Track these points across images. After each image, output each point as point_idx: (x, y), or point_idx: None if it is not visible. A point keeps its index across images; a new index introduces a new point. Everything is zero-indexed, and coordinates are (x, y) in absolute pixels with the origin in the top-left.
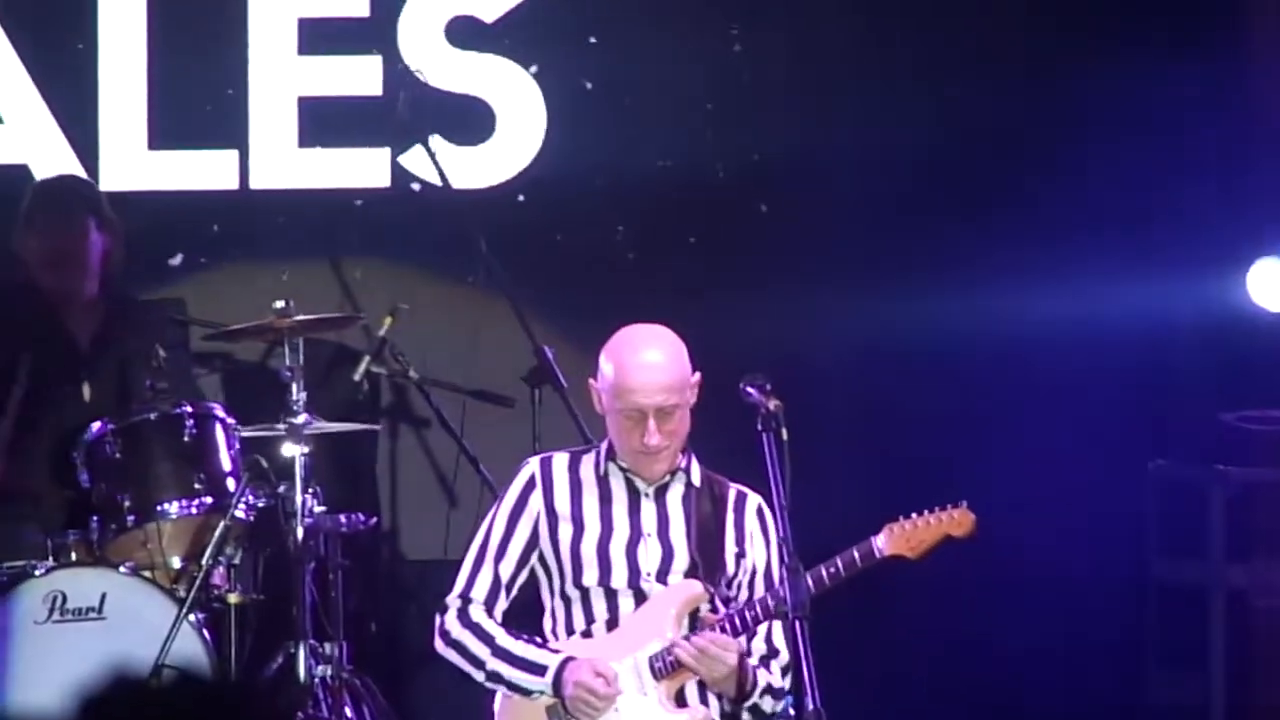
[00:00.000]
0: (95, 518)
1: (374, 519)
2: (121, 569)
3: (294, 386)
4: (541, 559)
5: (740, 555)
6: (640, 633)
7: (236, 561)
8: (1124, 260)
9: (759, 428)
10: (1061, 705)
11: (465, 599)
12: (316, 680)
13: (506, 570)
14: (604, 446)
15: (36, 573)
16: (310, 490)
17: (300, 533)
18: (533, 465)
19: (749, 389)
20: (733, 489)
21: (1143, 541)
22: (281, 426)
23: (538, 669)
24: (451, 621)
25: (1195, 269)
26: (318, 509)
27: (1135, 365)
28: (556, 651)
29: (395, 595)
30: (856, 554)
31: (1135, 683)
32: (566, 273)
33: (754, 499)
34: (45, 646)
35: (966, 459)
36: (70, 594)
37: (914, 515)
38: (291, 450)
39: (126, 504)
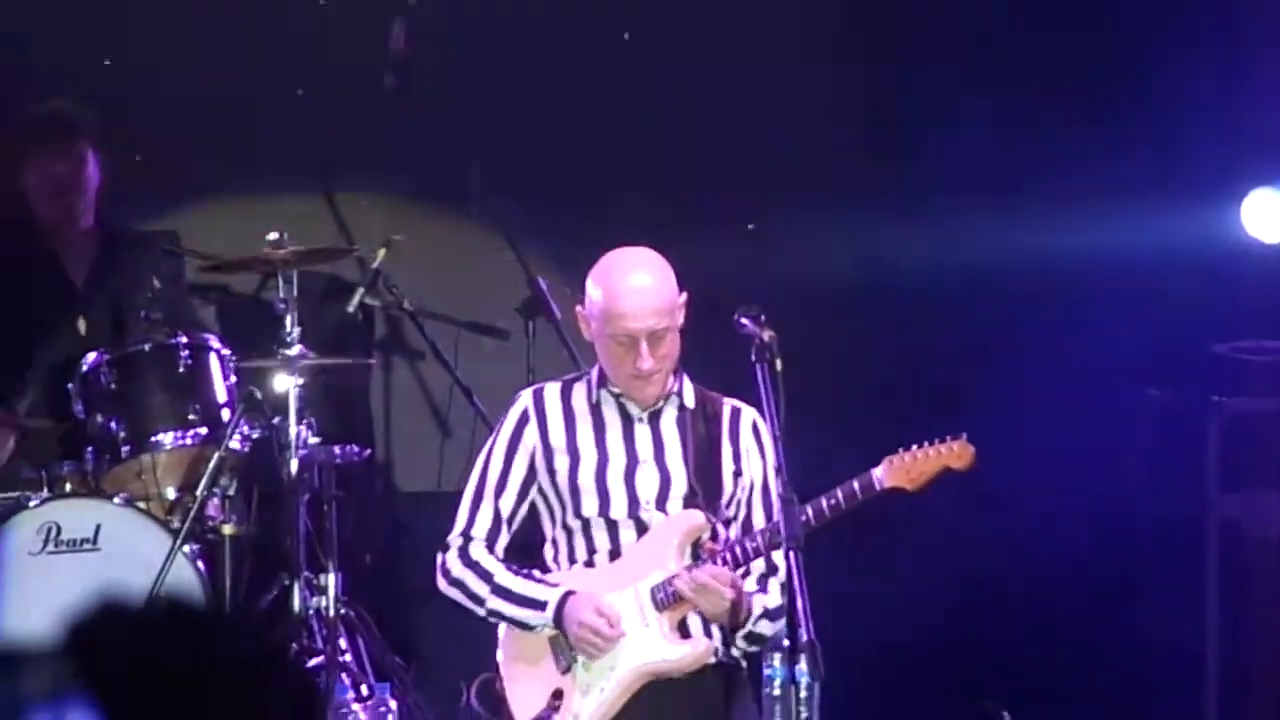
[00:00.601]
0: (90, 449)
1: (368, 451)
2: (116, 500)
3: (288, 319)
4: (540, 491)
5: (737, 474)
6: (642, 563)
7: (231, 493)
8: (1119, 192)
9: (753, 359)
10: (1056, 633)
11: (466, 537)
12: (311, 612)
13: (506, 505)
14: (594, 373)
15: (31, 504)
16: (304, 422)
17: (294, 464)
18: (525, 399)
19: (743, 320)
20: (727, 405)
21: (1138, 471)
22: (275, 358)
23: (537, 605)
24: (453, 560)
25: (1190, 200)
26: (312, 441)
27: (1131, 296)
28: (556, 585)
29: (389, 527)
30: (856, 486)
31: (1130, 610)
32: (568, 205)
33: (749, 414)
34: (40, 577)
35: (962, 391)
36: (65, 525)
37: (914, 447)
38: (285, 382)
39: (121, 435)
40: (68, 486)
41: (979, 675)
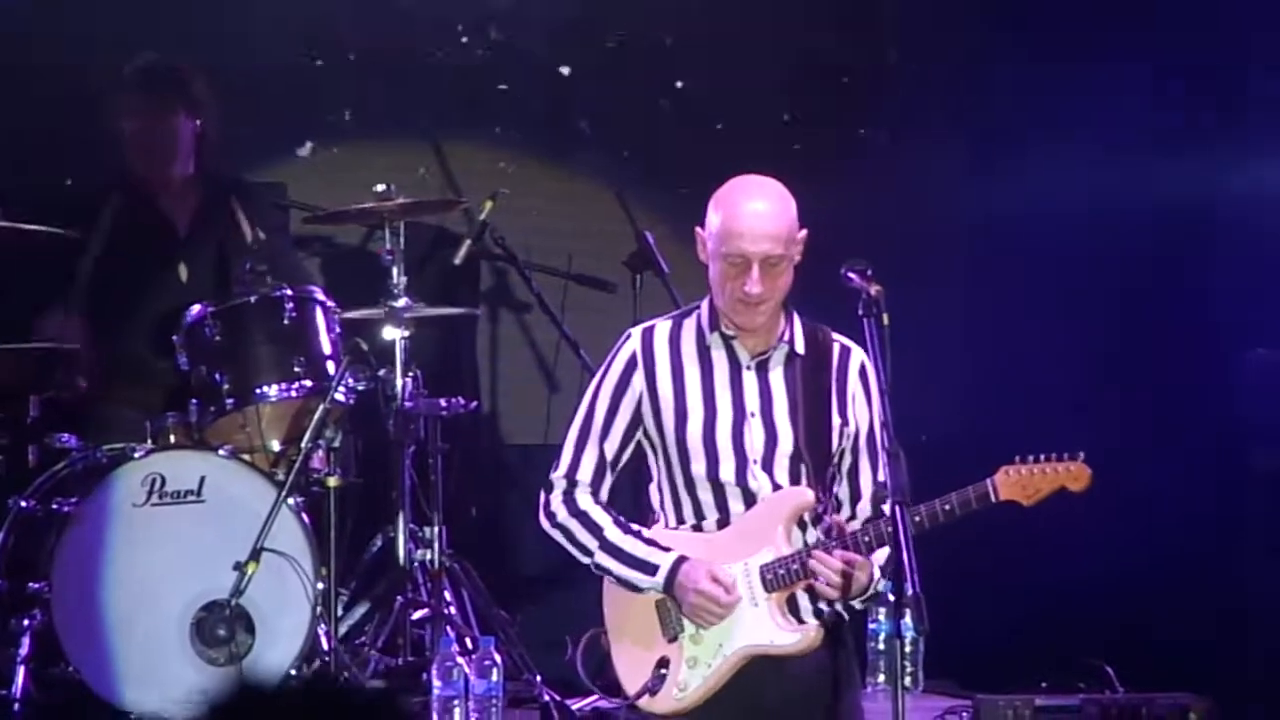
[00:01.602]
0: (194, 400)
1: (474, 403)
2: (220, 452)
3: (394, 270)
4: (646, 435)
5: (844, 425)
6: (750, 539)
7: (336, 445)
8: (1216, 147)
9: (860, 313)
10: (1163, 592)
11: (571, 480)
12: (415, 564)
13: (611, 449)
14: (705, 309)
15: (135, 455)
16: (410, 374)
17: (400, 416)
18: (634, 340)
19: (850, 274)
20: (836, 345)
21: (1241, 429)
22: (381, 310)
23: (649, 568)
24: (558, 504)
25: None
26: (417, 392)
27: (1233, 252)
28: (668, 550)
29: (495, 480)
30: (972, 495)
31: (1235, 569)
32: (677, 159)
33: (857, 356)
34: (144, 529)
35: (1060, 343)
36: (169, 477)
37: (1030, 461)
38: (391, 334)
39: (225, 387)
40: (172, 438)
41: (1081, 629)
